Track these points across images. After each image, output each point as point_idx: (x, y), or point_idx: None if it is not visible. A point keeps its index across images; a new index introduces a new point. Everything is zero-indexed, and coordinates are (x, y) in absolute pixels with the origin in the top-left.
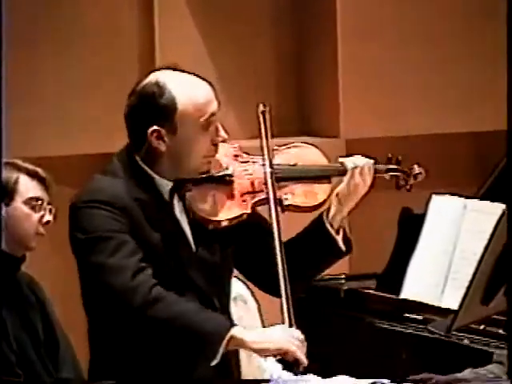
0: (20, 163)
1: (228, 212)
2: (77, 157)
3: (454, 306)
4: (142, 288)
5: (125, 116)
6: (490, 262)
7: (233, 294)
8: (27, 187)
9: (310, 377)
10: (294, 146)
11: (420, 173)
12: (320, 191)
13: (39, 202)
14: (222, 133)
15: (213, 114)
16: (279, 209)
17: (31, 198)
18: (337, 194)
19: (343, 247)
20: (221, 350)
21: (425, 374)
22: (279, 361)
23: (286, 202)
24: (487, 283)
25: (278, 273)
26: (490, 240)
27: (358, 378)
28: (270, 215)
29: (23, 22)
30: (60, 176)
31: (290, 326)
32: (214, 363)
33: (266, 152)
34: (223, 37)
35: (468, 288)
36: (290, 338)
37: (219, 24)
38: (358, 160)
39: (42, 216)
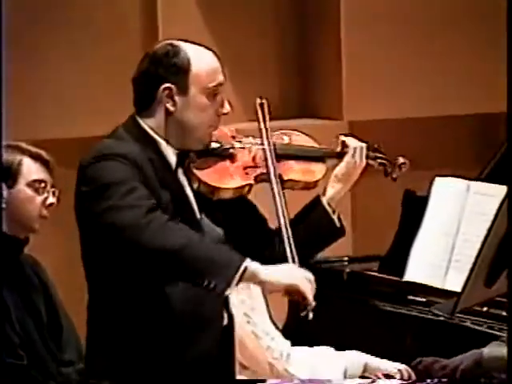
0: (23, 146)
1: (232, 182)
2: (81, 140)
3: (458, 288)
4: (156, 223)
5: (134, 79)
6: (493, 244)
7: None
8: (30, 170)
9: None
10: (285, 134)
11: (404, 163)
12: (317, 169)
13: (42, 185)
14: (227, 105)
15: (220, 84)
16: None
17: (34, 181)
18: (336, 175)
19: (339, 226)
20: (237, 277)
21: (433, 358)
22: (288, 337)
23: (285, 177)
24: (490, 265)
25: (278, 215)
26: (493, 222)
27: None
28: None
29: (26, 10)
30: (64, 159)
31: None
32: (227, 292)
33: (264, 135)
34: (227, 21)
35: (471, 270)
36: (302, 277)
37: (223, 8)
38: (356, 141)
39: (46, 198)
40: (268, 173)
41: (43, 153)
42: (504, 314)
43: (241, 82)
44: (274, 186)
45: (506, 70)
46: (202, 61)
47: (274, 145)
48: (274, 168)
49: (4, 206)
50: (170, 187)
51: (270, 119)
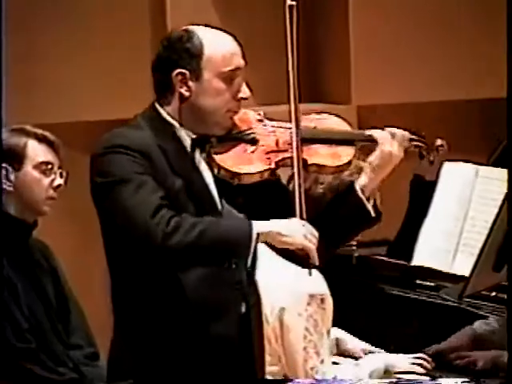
0: (28, 128)
1: (252, 167)
2: (85, 123)
3: (466, 272)
4: (161, 225)
5: (152, 65)
6: (501, 228)
7: (311, 291)
8: (36, 152)
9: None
10: (315, 114)
11: (442, 145)
12: (343, 153)
13: (49, 166)
14: (246, 89)
15: (238, 68)
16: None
17: (41, 163)
18: (370, 163)
19: (373, 213)
20: (252, 247)
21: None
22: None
23: (309, 161)
24: (498, 250)
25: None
26: (501, 207)
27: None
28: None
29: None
30: (72, 142)
31: (302, 219)
32: (248, 262)
33: (290, 56)
34: (233, 2)
35: (479, 255)
36: (309, 235)
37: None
38: (392, 130)
39: (53, 180)
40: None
41: (48, 134)
42: None
43: (248, 66)
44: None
45: None
46: (216, 45)
47: (300, 129)
48: (297, 119)
49: (12, 189)
50: (185, 173)
51: (279, 103)
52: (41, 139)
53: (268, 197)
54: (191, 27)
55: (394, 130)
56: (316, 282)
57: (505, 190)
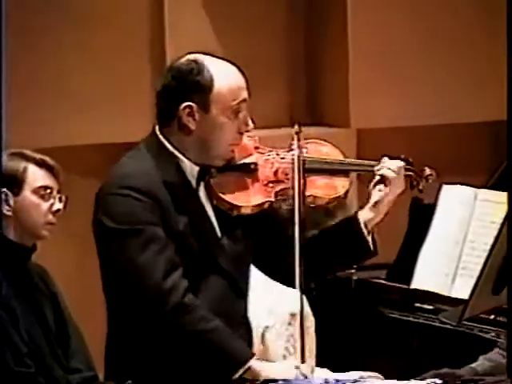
0: (27, 153)
1: (252, 199)
2: (86, 147)
3: (465, 295)
4: (175, 292)
5: (157, 93)
6: (500, 251)
7: (293, 310)
8: (35, 176)
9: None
10: (309, 143)
11: (431, 174)
12: (339, 184)
13: (48, 191)
14: (250, 122)
15: (244, 100)
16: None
17: (40, 187)
18: (374, 202)
19: (372, 248)
20: (238, 375)
21: (447, 369)
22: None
23: (306, 193)
24: (497, 273)
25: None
26: (500, 229)
27: (367, 368)
28: (294, 197)
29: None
30: (73, 165)
31: (303, 362)
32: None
33: (296, 164)
34: (233, 22)
35: (478, 278)
36: (301, 377)
37: (229, 8)
38: (393, 165)
39: (52, 205)
40: (293, 204)
41: (48, 159)
42: None
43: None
44: (296, 216)
45: None
46: (225, 78)
47: (299, 158)
48: (300, 200)
49: (10, 213)
50: (189, 209)
51: (279, 127)
52: (40, 164)
53: (263, 225)
54: (199, 58)
55: (394, 163)
56: (297, 301)
57: (504, 213)
